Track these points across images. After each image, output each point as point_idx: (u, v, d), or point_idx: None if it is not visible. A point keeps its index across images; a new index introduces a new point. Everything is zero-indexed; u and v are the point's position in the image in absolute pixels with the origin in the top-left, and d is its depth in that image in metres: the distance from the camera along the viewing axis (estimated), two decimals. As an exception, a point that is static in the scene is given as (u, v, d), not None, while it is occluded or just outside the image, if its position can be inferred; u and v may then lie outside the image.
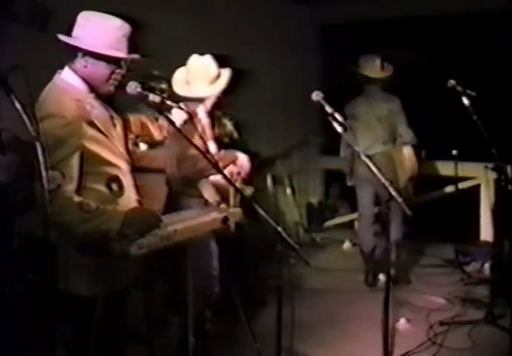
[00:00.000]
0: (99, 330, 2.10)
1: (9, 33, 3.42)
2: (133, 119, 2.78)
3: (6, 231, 2.80)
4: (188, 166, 2.72)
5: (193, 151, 2.60)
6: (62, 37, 2.18)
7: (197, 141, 2.56)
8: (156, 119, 3.39)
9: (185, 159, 2.66)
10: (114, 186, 2.18)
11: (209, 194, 2.92)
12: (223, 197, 2.90)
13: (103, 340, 2.15)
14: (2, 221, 2.79)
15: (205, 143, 2.86)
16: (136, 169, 2.38)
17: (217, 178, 2.86)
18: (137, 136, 2.59)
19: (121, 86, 2.24)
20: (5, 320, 2.73)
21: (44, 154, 1.62)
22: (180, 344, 2.91)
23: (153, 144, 3.20)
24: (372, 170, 2.47)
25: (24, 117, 1.63)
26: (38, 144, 1.62)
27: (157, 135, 3.30)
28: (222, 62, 3.16)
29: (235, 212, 2.55)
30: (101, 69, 2.20)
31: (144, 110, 3.35)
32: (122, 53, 2.21)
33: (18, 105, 1.64)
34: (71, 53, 2.20)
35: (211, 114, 3.17)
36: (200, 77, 3.08)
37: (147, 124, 3.30)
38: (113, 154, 2.21)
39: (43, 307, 1.69)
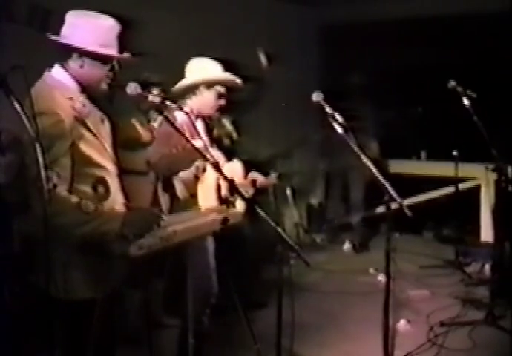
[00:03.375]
0: (98, 331, 2.10)
1: (9, 33, 3.42)
2: (122, 121, 2.76)
3: (6, 231, 2.79)
4: (170, 166, 2.73)
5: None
6: (53, 36, 2.17)
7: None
8: (148, 121, 3.37)
9: (169, 159, 2.66)
10: (100, 188, 2.15)
11: (180, 190, 2.92)
12: (192, 193, 2.90)
13: (101, 340, 2.15)
14: (2, 221, 2.78)
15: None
16: (123, 171, 2.36)
17: (184, 173, 2.86)
18: (125, 139, 2.58)
19: (119, 86, 2.23)
20: (5, 320, 2.72)
21: (43, 154, 1.62)
22: (180, 345, 2.91)
23: (140, 146, 3.18)
24: (373, 172, 2.47)
25: (24, 117, 1.63)
26: (37, 145, 1.61)
27: (146, 137, 3.29)
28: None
29: (235, 213, 2.55)
30: (97, 69, 2.20)
31: (135, 114, 3.33)
32: (113, 52, 2.20)
33: (17, 106, 1.63)
34: (62, 52, 2.18)
35: (203, 117, 3.15)
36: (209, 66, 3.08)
37: (135, 126, 3.29)
38: (102, 156, 2.19)
39: (42, 308, 1.68)
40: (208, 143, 3.12)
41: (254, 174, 3.17)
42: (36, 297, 1.70)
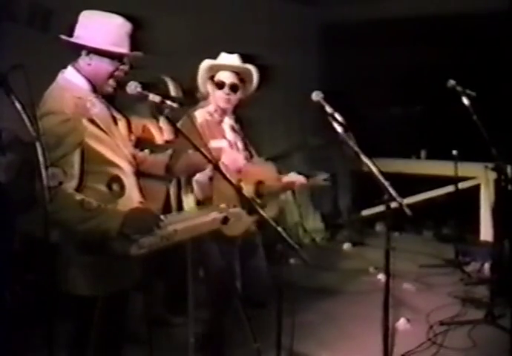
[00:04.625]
0: (99, 330, 2.10)
1: (9, 33, 3.42)
2: (134, 120, 2.73)
3: (6, 231, 2.79)
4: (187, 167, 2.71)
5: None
6: (65, 37, 2.18)
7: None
8: (157, 120, 3.36)
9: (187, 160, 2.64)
10: (115, 186, 2.17)
11: (196, 192, 2.86)
12: (208, 196, 2.85)
13: (103, 340, 2.15)
14: (2, 221, 2.78)
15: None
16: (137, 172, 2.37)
17: (200, 176, 2.79)
18: (138, 139, 2.56)
19: (122, 85, 2.24)
20: (5, 320, 2.73)
21: (44, 154, 1.62)
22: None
23: (154, 148, 3.16)
24: (372, 170, 2.47)
25: (24, 117, 1.63)
26: (38, 144, 1.62)
27: (158, 138, 3.28)
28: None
29: (235, 212, 2.54)
30: (105, 66, 2.20)
31: (143, 112, 3.32)
32: (124, 50, 2.22)
33: (18, 105, 1.64)
34: (74, 53, 2.21)
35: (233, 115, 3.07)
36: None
37: (149, 127, 3.27)
38: (115, 154, 2.20)
39: (43, 307, 1.68)
40: (235, 142, 3.03)
41: (293, 176, 3.07)
42: (38, 293, 1.70)
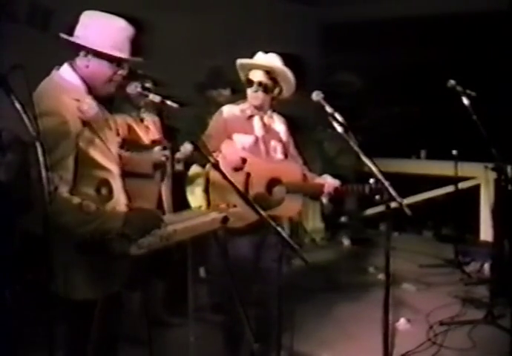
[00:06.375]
0: (98, 331, 2.10)
1: (9, 33, 3.42)
2: (119, 121, 2.71)
3: (6, 231, 2.79)
4: None
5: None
6: (65, 36, 2.14)
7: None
8: (141, 120, 3.34)
9: None
10: (104, 190, 2.13)
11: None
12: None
13: (102, 340, 2.15)
14: (2, 221, 2.78)
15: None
16: (123, 173, 2.36)
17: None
18: (124, 139, 2.55)
19: (119, 86, 2.23)
20: (5, 320, 2.73)
21: (44, 154, 1.61)
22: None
23: (139, 148, 3.16)
24: (372, 170, 2.47)
25: (24, 117, 1.63)
26: (38, 144, 1.61)
27: (144, 138, 3.27)
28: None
29: (235, 212, 2.54)
30: (103, 69, 2.16)
31: (128, 111, 3.30)
32: (124, 54, 2.18)
33: (18, 105, 1.63)
34: (72, 53, 2.17)
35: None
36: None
37: (134, 127, 3.26)
38: (106, 158, 2.18)
39: (42, 307, 1.68)
40: (264, 139, 3.03)
41: (326, 178, 2.99)
42: (38, 296, 1.70)
